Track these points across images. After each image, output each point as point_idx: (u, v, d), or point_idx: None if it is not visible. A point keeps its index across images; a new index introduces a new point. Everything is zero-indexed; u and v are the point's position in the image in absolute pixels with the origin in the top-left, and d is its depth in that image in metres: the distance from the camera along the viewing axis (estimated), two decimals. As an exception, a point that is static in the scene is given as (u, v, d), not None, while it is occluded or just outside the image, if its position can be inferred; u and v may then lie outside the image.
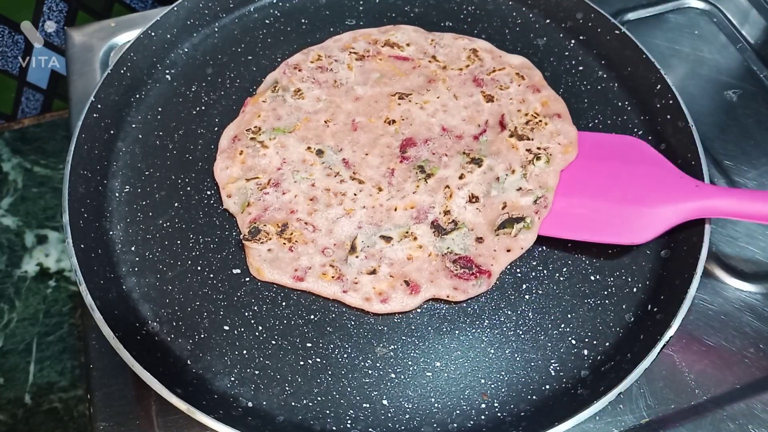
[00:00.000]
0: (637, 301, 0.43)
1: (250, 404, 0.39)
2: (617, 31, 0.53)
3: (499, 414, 0.39)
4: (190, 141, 0.50)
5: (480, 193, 0.46)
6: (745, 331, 0.45)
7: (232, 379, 0.40)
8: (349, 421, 0.39)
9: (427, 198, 0.46)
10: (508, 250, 0.44)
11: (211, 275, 0.44)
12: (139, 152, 0.50)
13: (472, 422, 0.39)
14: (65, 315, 1.00)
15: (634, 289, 0.44)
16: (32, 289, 1.02)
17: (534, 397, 0.40)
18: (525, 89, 0.51)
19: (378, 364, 0.41)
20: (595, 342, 0.42)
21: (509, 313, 0.43)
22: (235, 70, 0.55)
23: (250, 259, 0.44)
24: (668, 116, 0.49)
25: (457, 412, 0.39)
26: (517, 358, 0.41)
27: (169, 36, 0.55)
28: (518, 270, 0.45)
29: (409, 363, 0.41)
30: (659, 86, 0.50)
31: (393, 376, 0.41)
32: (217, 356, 0.41)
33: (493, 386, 0.40)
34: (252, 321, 0.42)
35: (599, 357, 0.41)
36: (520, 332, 0.42)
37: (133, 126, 0.51)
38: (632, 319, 0.43)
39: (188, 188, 0.48)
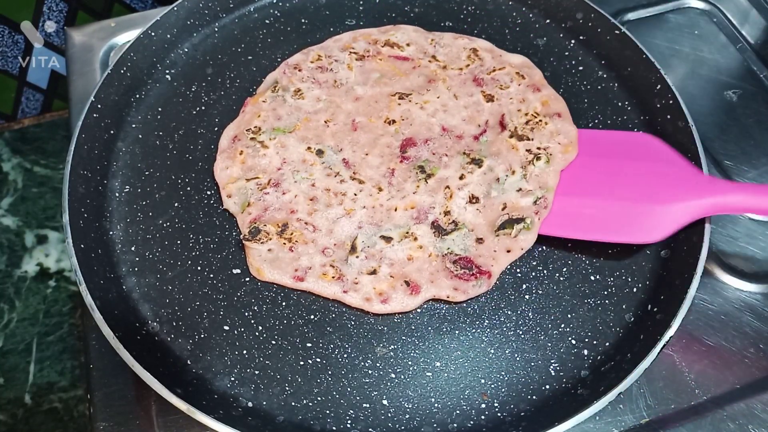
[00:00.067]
0: (637, 301, 0.43)
1: (250, 404, 0.39)
2: (617, 31, 0.53)
3: (499, 414, 0.39)
4: (190, 141, 0.50)
5: (480, 194, 0.46)
6: (745, 331, 0.45)
7: (232, 379, 0.40)
8: (349, 421, 0.39)
9: (427, 198, 0.46)
10: (508, 251, 0.44)
11: (211, 275, 0.44)
12: (139, 152, 0.50)
13: (472, 422, 0.39)
14: (65, 315, 1.00)
15: (634, 289, 0.44)
16: (32, 289, 1.02)
17: (534, 397, 0.40)
18: (525, 88, 0.51)
19: (378, 364, 0.41)
20: (595, 342, 0.42)
21: (509, 313, 0.43)
22: (235, 70, 0.55)
23: (251, 259, 0.44)
24: (668, 116, 0.49)
25: (457, 412, 0.39)
26: (517, 358, 0.41)
27: (169, 36, 0.55)
28: (518, 270, 0.45)
29: (409, 363, 0.41)
30: (659, 86, 0.50)
31: (393, 376, 0.41)
32: (217, 356, 0.41)
33: (493, 386, 0.40)
34: (252, 321, 0.42)
35: (599, 357, 0.41)
36: (520, 332, 0.42)
37: (133, 126, 0.51)
38: (632, 319, 0.43)
39: (188, 188, 0.48)
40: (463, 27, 0.57)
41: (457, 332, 0.42)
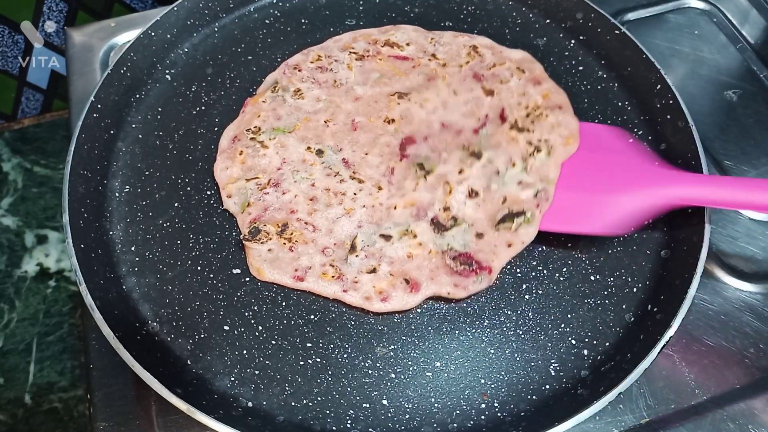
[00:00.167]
0: (637, 301, 0.43)
1: (250, 404, 0.39)
2: (617, 31, 0.53)
3: (499, 414, 0.39)
4: (190, 141, 0.50)
5: (480, 188, 0.46)
6: (745, 331, 0.45)
7: (232, 379, 0.40)
8: (349, 421, 0.39)
9: (426, 195, 0.46)
10: (509, 245, 0.44)
11: (211, 275, 0.44)
12: (139, 152, 0.50)
13: (472, 422, 0.39)
14: (65, 315, 1.00)
15: (634, 289, 0.44)
16: (32, 289, 1.02)
17: (534, 397, 0.40)
18: (525, 82, 0.51)
19: (378, 364, 0.41)
20: (595, 342, 0.42)
21: (509, 313, 0.43)
22: (235, 70, 0.55)
23: (251, 260, 0.44)
24: (668, 116, 0.49)
25: (457, 412, 0.39)
26: (517, 358, 0.41)
27: (169, 36, 0.55)
28: (518, 270, 0.45)
29: (409, 363, 0.41)
30: (659, 86, 0.50)
31: (393, 376, 0.41)
32: (217, 356, 0.41)
33: (493, 386, 0.40)
34: (252, 321, 0.42)
35: (599, 357, 0.41)
36: (520, 332, 0.42)
37: (133, 126, 0.51)
38: (632, 319, 0.43)
39: (188, 188, 0.48)
40: (463, 27, 0.57)
41: (457, 332, 0.42)
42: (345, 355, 0.41)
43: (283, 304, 0.43)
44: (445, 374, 0.41)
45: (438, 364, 0.41)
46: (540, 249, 0.45)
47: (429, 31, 0.56)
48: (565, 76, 0.54)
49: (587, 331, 0.42)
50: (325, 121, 0.50)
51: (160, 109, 0.52)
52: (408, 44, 0.54)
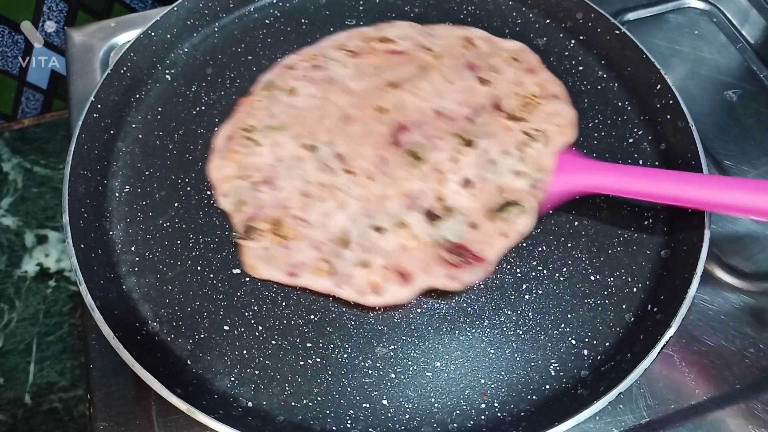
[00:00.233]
0: (637, 301, 0.43)
1: (250, 404, 0.39)
2: (617, 31, 0.53)
3: (499, 414, 0.39)
4: (190, 141, 0.50)
5: (474, 177, 0.45)
6: (745, 331, 0.45)
7: (232, 379, 0.40)
8: (349, 421, 0.39)
9: (419, 185, 0.45)
10: (505, 236, 0.43)
11: (211, 275, 0.44)
12: (139, 152, 0.50)
13: (472, 422, 0.39)
14: (65, 315, 1.00)
15: (634, 289, 0.44)
16: (32, 289, 1.02)
17: (534, 397, 0.40)
18: (521, 72, 0.50)
19: (378, 364, 0.41)
20: (595, 342, 0.42)
21: (509, 313, 0.43)
22: (235, 70, 0.55)
23: (245, 257, 0.44)
24: (668, 116, 0.49)
25: (457, 412, 0.39)
26: (517, 358, 0.41)
27: (169, 36, 0.55)
28: (518, 270, 0.45)
29: (409, 363, 0.41)
30: (659, 86, 0.50)
31: (393, 376, 0.41)
32: (217, 356, 0.41)
33: (493, 386, 0.40)
34: (252, 321, 0.42)
35: (599, 357, 0.41)
36: (520, 332, 0.42)
37: (133, 126, 0.51)
38: (632, 319, 0.43)
39: (188, 188, 0.48)
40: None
41: (457, 332, 0.42)
42: (345, 355, 0.41)
43: (283, 304, 0.43)
44: (445, 374, 0.41)
45: (438, 364, 0.41)
46: (540, 249, 0.45)
47: (424, 25, 0.56)
48: (565, 76, 0.54)
49: (587, 331, 0.42)
50: (319, 117, 0.49)
51: (160, 109, 0.52)
52: (402, 39, 0.54)
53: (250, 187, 0.46)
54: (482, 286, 0.44)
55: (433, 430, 0.39)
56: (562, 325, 0.42)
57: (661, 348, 0.38)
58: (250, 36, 0.57)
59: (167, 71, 0.54)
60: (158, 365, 0.39)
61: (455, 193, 0.44)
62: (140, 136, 0.51)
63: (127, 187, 0.48)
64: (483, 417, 0.39)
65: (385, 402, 0.40)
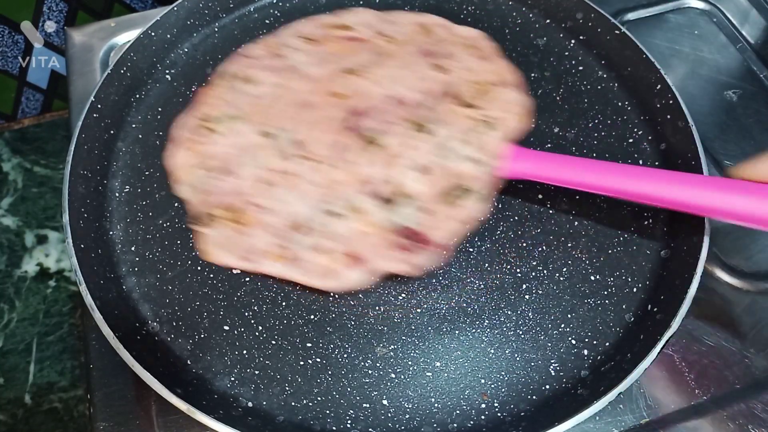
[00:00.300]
0: (637, 301, 0.43)
1: (250, 404, 0.39)
2: (617, 31, 0.53)
3: (499, 414, 0.39)
4: (190, 141, 0.50)
5: (428, 163, 0.45)
6: (745, 331, 0.45)
7: (232, 379, 0.40)
8: (349, 421, 0.39)
9: (374, 170, 0.45)
10: (456, 220, 0.43)
11: (211, 275, 0.44)
12: (139, 152, 0.50)
13: (472, 422, 0.39)
14: (65, 315, 1.00)
15: (634, 289, 0.44)
16: (32, 289, 1.02)
17: (534, 397, 0.40)
18: (477, 60, 0.51)
19: (378, 364, 0.41)
20: (595, 342, 0.42)
21: (509, 313, 0.43)
22: (235, 70, 0.54)
23: (201, 244, 0.44)
24: (668, 116, 0.49)
25: (457, 412, 0.39)
26: (517, 358, 0.41)
27: (169, 36, 0.55)
28: (518, 270, 0.45)
29: (409, 363, 0.41)
30: (659, 86, 0.50)
31: (393, 376, 0.41)
32: (217, 356, 0.41)
33: (493, 386, 0.40)
34: (252, 321, 0.42)
35: (599, 357, 0.41)
36: (520, 332, 0.42)
37: (133, 126, 0.51)
38: (632, 319, 0.43)
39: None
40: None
41: (457, 332, 0.42)
42: (345, 355, 0.41)
43: (283, 304, 0.43)
44: (445, 374, 0.41)
45: (438, 364, 0.41)
46: (540, 249, 0.45)
47: (383, 12, 0.56)
48: (565, 76, 0.54)
49: (587, 331, 0.42)
50: (276, 104, 0.49)
51: (160, 109, 0.52)
52: (361, 26, 0.54)
53: (208, 175, 0.46)
54: (482, 286, 0.44)
55: (433, 430, 0.39)
56: (562, 325, 0.42)
57: (661, 348, 0.38)
58: (250, 36, 0.57)
59: (167, 71, 0.54)
60: (158, 365, 0.39)
61: (409, 179, 0.45)
62: (140, 136, 0.51)
63: (127, 187, 0.48)
64: (483, 417, 0.39)
65: (385, 402, 0.40)
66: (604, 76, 0.54)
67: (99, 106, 0.49)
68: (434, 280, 0.44)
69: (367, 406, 0.39)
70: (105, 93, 0.50)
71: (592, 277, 0.44)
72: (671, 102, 0.49)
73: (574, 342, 0.42)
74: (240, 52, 0.54)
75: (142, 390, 0.42)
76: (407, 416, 0.39)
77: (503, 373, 0.41)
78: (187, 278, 0.44)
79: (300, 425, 0.39)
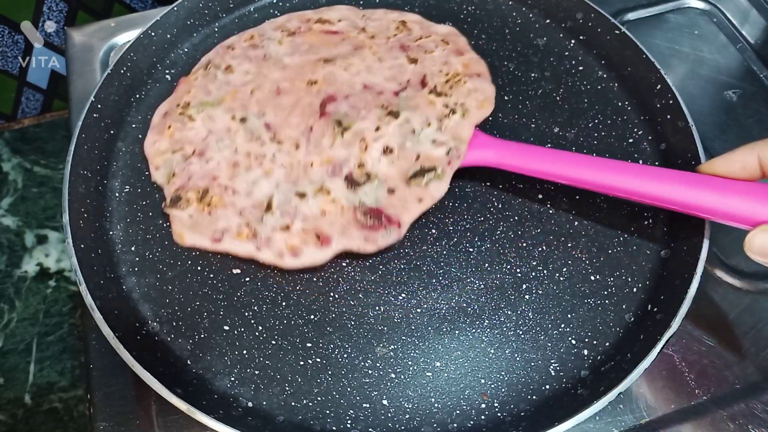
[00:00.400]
0: (637, 301, 0.43)
1: (250, 404, 0.39)
2: (617, 31, 0.53)
3: (499, 414, 0.39)
4: (190, 141, 0.50)
5: (395, 145, 0.46)
6: (745, 331, 0.45)
7: (232, 379, 0.40)
8: (349, 421, 0.39)
9: (343, 152, 0.46)
10: (420, 200, 0.44)
11: (211, 275, 0.44)
12: (139, 152, 0.50)
13: (472, 422, 0.39)
14: (65, 315, 1.00)
15: (634, 289, 0.44)
16: (32, 289, 1.02)
17: (534, 397, 0.40)
18: (449, 53, 0.52)
19: (378, 364, 0.41)
20: (595, 342, 0.42)
21: (509, 313, 0.43)
22: (235, 70, 0.54)
23: (174, 227, 0.45)
24: (668, 116, 0.49)
25: (457, 412, 0.39)
26: (517, 358, 0.41)
27: (169, 36, 0.55)
28: (518, 270, 0.45)
29: (409, 363, 0.41)
30: (659, 86, 0.50)
31: (393, 376, 0.41)
32: (217, 356, 0.41)
33: (493, 386, 0.40)
34: (252, 321, 0.42)
35: (599, 357, 0.41)
36: (520, 332, 0.42)
37: (133, 126, 0.51)
38: (632, 319, 0.43)
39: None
40: (463, 27, 0.57)
41: (457, 332, 0.42)
42: (345, 355, 0.41)
43: (283, 304, 0.43)
44: (445, 374, 0.41)
45: (438, 364, 0.41)
46: (540, 249, 0.45)
47: (362, 9, 0.57)
48: (565, 76, 0.54)
49: (587, 331, 0.42)
50: (252, 91, 0.50)
51: (160, 109, 0.52)
52: (339, 20, 0.55)
53: (181, 160, 0.47)
54: (482, 286, 0.44)
55: (433, 430, 0.39)
56: (562, 325, 0.42)
57: (661, 348, 0.38)
58: (250, 36, 0.57)
59: (167, 71, 0.54)
60: (158, 365, 0.39)
61: (375, 160, 0.45)
62: (140, 136, 0.51)
63: (127, 187, 0.48)
64: (483, 417, 0.39)
65: (385, 402, 0.40)
66: (604, 76, 0.54)
67: (99, 106, 0.49)
68: (434, 280, 0.44)
69: (367, 406, 0.39)
70: (105, 93, 0.50)
71: (592, 277, 0.44)
72: (671, 102, 0.49)
73: (574, 342, 0.42)
74: (221, 44, 0.55)
75: (142, 390, 0.42)
76: (407, 416, 0.39)
77: (503, 373, 0.41)
78: (187, 278, 0.44)
79: (300, 425, 0.39)
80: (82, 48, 0.60)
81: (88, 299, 0.39)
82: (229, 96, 0.50)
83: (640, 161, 0.49)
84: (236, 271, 0.44)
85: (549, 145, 0.50)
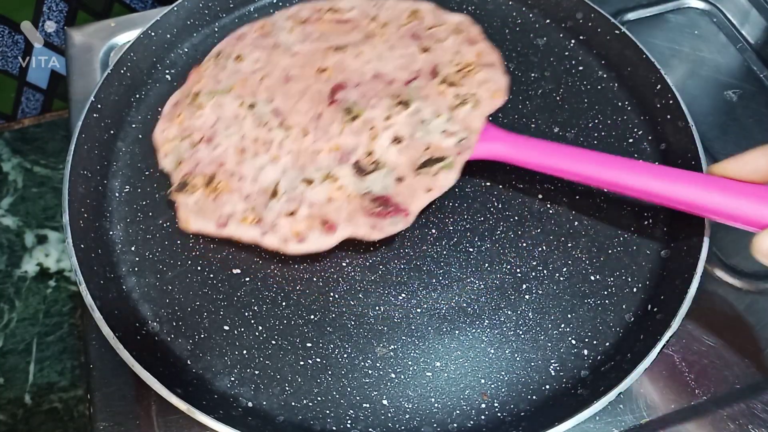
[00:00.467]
0: (637, 301, 0.43)
1: (250, 404, 0.39)
2: (617, 31, 0.53)
3: (499, 414, 0.39)
4: (190, 141, 0.50)
5: (405, 134, 0.45)
6: (745, 330, 0.45)
7: (232, 379, 0.40)
8: (349, 421, 0.39)
9: (351, 140, 0.46)
10: (428, 190, 0.43)
11: (211, 275, 0.44)
12: (139, 152, 0.50)
13: (472, 422, 0.39)
14: (65, 315, 1.00)
15: (634, 289, 0.44)
16: (32, 289, 1.02)
17: (534, 397, 0.40)
18: (461, 42, 0.51)
19: (378, 364, 0.41)
20: (595, 342, 0.42)
21: (509, 313, 0.43)
22: (235, 70, 0.54)
23: (179, 213, 0.44)
24: (668, 116, 0.49)
25: (457, 412, 0.39)
26: (517, 358, 0.41)
27: (169, 36, 0.55)
28: (518, 270, 0.45)
29: (409, 363, 0.41)
30: (659, 86, 0.50)
31: (393, 376, 0.41)
32: (217, 356, 0.41)
33: (493, 386, 0.40)
34: (252, 321, 0.42)
35: (599, 357, 0.41)
36: (520, 332, 0.42)
37: (133, 126, 0.51)
38: (632, 319, 0.43)
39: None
40: (463, 27, 0.57)
41: (457, 332, 0.42)
42: (345, 355, 0.41)
43: (283, 304, 0.43)
44: (445, 374, 0.41)
45: (438, 364, 0.41)
46: (540, 249, 0.45)
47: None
48: (565, 76, 0.54)
49: (587, 331, 0.42)
50: (261, 78, 0.50)
51: (159, 109, 0.52)
52: (351, 10, 0.55)
53: (189, 147, 0.47)
54: (482, 286, 0.44)
55: (433, 430, 0.39)
56: (562, 325, 0.42)
57: (661, 348, 0.38)
58: (250, 36, 0.57)
59: (167, 71, 0.54)
60: (158, 365, 0.39)
61: (384, 149, 0.45)
62: (140, 136, 0.51)
63: (127, 187, 0.48)
64: (483, 417, 0.39)
65: (385, 402, 0.40)
66: (604, 76, 0.54)
67: (99, 106, 0.49)
68: (434, 280, 0.44)
69: (367, 406, 0.39)
70: (105, 93, 0.50)
71: (592, 277, 0.44)
72: (671, 102, 0.49)
73: (574, 342, 0.42)
74: (233, 34, 0.54)
75: (142, 390, 0.42)
76: (407, 416, 0.39)
77: (503, 373, 0.41)
78: (187, 278, 0.44)
79: (300, 425, 0.39)
80: (82, 48, 0.60)
81: (88, 299, 0.39)
82: (238, 83, 0.50)
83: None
84: (236, 271, 0.44)
85: (549, 145, 0.50)
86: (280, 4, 0.59)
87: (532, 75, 0.54)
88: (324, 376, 0.40)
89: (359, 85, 0.48)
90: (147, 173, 0.49)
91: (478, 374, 0.41)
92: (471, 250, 0.45)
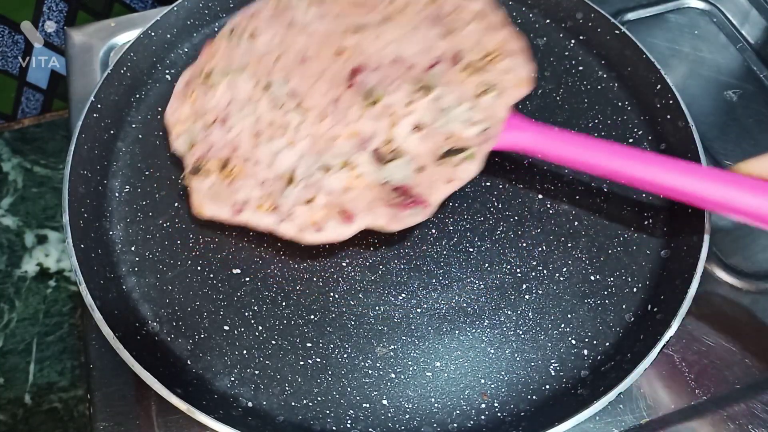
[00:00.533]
0: (637, 301, 0.43)
1: (250, 404, 0.39)
2: (617, 31, 0.53)
3: (499, 414, 0.39)
4: (190, 141, 0.50)
5: (426, 122, 0.44)
6: (745, 330, 0.45)
7: (232, 379, 0.40)
8: (349, 421, 0.39)
9: (370, 125, 0.44)
10: (449, 181, 0.42)
11: (211, 275, 0.44)
12: (139, 152, 0.50)
13: (472, 422, 0.39)
14: (65, 315, 1.00)
15: (634, 289, 0.44)
16: (32, 289, 1.02)
17: (534, 397, 0.40)
18: (484, 28, 0.49)
19: (378, 364, 0.41)
20: (595, 342, 0.42)
21: (509, 313, 0.43)
22: (235, 70, 0.54)
23: (193, 199, 0.44)
24: (668, 116, 0.49)
25: (457, 412, 0.39)
26: (517, 358, 0.41)
27: (169, 36, 0.55)
28: (518, 270, 0.45)
29: (409, 363, 0.41)
30: (659, 86, 0.50)
31: (393, 376, 0.41)
32: (217, 356, 0.41)
33: (493, 386, 0.40)
34: (252, 321, 0.42)
35: (599, 357, 0.41)
36: (520, 332, 0.42)
37: (133, 126, 0.51)
38: (632, 319, 0.43)
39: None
40: (463, 27, 0.57)
41: (457, 332, 0.42)
42: (345, 355, 0.41)
43: (283, 304, 0.43)
44: (445, 374, 0.41)
45: (438, 364, 0.41)
46: (540, 249, 0.45)
47: None
48: (565, 76, 0.54)
49: (587, 331, 0.42)
50: (277, 57, 0.48)
51: (159, 109, 0.52)
52: None
53: (202, 128, 0.46)
54: (482, 286, 0.44)
55: (433, 430, 0.39)
56: (562, 325, 0.42)
57: (661, 348, 0.38)
58: (250, 36, 0.57)
59: (167, 71, 0.54)
60: (158, 365, 0.39)
61: (405, 136, 0.43)
62: (140, 136, 0.51)
63: (127, 187, 0.48)
64: (483, 417, 0.39)
65: (385, 402, 0.40)
66: (604, 76, 0.54)
67: (99, 106, 0.49)
68: (434, 280, 0.44)
69: (367, 406, 0.39)
70: (105, 93, 0.50)
71: (592, 277, 0.44)
72: (671, 102, 0.49)
73: (574, 342, 0.42)
74: (246, 11, 0.52)
75: (142, 390, 0.42)
76: (407, 416, 0.39)
77: (503, 373, 0.41)
78: (187, 278, 0.44)
79: (300, 425, 0.39)
80: (82, 48, 0.60)
81: (88, 299, 0.39)
82: (252, 62, 0.48)
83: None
84: (236, 271, 0.44)
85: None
86: (280, 4, 0.59)
87: (532, 75, 0.54)
88: (324, 376, 0.40)
89: (378, 69, 0.46)
90: (147, 173, 0.49)
91: (478, 374, 0.41)
92: (471, 250, 0.45)
